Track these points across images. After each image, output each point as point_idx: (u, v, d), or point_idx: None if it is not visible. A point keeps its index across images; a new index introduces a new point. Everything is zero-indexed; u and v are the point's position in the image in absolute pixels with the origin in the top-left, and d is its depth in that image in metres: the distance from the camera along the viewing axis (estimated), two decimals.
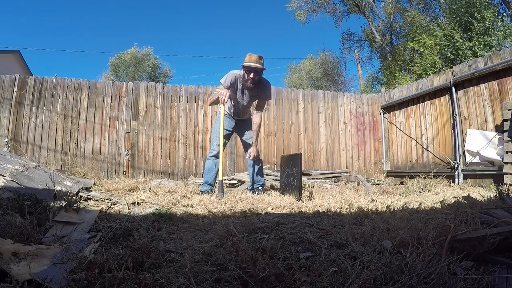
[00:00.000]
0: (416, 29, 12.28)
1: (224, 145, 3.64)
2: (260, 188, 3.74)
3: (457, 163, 5.04)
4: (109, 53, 34.65)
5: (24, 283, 1.02)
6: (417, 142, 6.12)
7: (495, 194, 2.52)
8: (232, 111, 3.70)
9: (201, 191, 3.55)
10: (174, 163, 6.08)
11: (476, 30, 9.70)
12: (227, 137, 3.74)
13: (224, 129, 3.52)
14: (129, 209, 2.50)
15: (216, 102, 3.53)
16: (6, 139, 5.44)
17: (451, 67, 5.59)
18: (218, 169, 3.51)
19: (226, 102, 3.37)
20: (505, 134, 4.16)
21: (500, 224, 1.42)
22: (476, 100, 4.89)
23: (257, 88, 3.47)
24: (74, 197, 2.55)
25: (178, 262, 1.27)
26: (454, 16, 10.35)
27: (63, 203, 2.08)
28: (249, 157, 3.68)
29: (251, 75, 3.34)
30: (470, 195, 2.49)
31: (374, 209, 2.41)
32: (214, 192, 3.42)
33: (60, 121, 5.76)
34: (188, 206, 2.67)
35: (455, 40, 9.93)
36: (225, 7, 47.51)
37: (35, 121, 5.67)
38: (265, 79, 3.56)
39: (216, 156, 3.61)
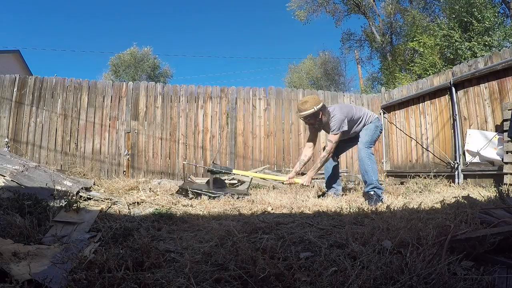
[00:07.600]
0: (416, 29, 12.29)
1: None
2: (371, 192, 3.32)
3: (457, 163, 5.03)
4: (109, 53, 34.66)
5: (24, 283, 1.02)
6: (417, 142, 6.12)
7: (495, 194, 2.52)
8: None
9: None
10: (174, 163, 6.08)
11: (476, 30, 9.70)
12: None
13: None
14: (129, 209, 2.50)
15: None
16: (6, 139, 5.44)
17: (451, 67, 5.59)
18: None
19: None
20: (505, 134, 4.16)
21: (500, 224, 1.42)
22: (476, 100, 4.88)
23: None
24: (74, 197, 2.56)
25: (178, 262, 1.27)
26: (454, 16, 10.36)
27: (63, 203, 2.08)
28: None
29: None
30: (470, 195, 2.50)
31: (374, 209, 2.41)
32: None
33: (60, 121, 5.76)
34: (188, 206, 2.67)
35: (455, 40, 9.93)
36: (225, 6, 47.55)
37: (35, 121, 5.67)
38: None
39: None
